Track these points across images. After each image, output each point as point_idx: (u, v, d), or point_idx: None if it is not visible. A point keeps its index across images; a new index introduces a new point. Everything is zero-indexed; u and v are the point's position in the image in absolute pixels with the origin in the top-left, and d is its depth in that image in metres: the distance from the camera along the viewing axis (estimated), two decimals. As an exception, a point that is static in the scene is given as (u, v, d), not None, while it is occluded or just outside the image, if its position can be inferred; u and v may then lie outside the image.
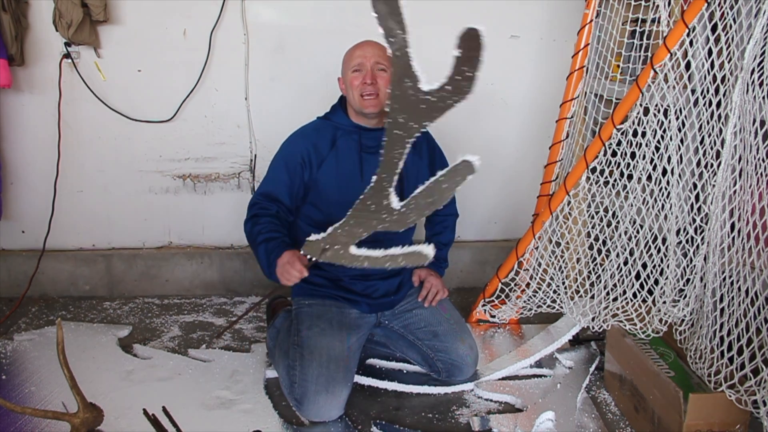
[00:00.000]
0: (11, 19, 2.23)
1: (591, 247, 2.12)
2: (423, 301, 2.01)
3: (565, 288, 2.23)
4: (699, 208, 1.77)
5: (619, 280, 2.00)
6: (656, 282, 1.92)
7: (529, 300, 2.31)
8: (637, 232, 1.93)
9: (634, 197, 1.92)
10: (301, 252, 1.60)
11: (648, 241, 1.91)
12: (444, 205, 2.06)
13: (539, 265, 2.26)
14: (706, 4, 1.62)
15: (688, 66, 1.75)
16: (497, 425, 1.74)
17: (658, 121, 1.80)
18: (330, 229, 1.53)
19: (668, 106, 1.77)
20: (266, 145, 2.57)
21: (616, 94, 1.99)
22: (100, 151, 2.55)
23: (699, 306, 1.81)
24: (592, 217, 2.07)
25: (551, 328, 2.24)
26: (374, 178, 1.42)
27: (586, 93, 2.19)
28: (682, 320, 1.85)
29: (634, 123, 1.86)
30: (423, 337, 1.95)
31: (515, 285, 2.34)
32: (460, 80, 1.20)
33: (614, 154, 1.94)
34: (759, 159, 1.56)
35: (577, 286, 2.22)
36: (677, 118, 1.76)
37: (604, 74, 2.11)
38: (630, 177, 1.92)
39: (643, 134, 1.84)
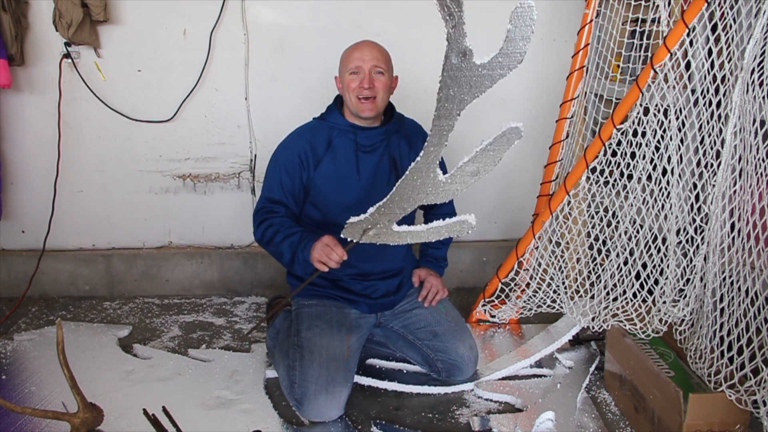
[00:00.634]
0: (11, 19, 2.23)
1: (591, 247, 2.12)
2: (423, 301, 2.01)
3: (565, 288, 2.23)
4: (699, 208, 1.77)
5: (619, 280, 2.00)
6: (656, 282, 1.92)
7: (529, 300, 2.30)
8: (637, 232, 1.93)
9: (634, 197, 1.92)
10: (342, 235, 1.60)
11: (648, 241, 1.91)
12: (441, 204, 2.07)
13: (539, 265, 2.26)
14: (706, 4, 1.62)
15: (688, 66, 1.75)
16: (497, 425, 1.74)
17: (658, 121, 1.80)
18: (372, 209, 1.54)
19: (668, 106, 1.77)
20: (266, 145, 2.57)
21: (616, 94, 1.99)
22: (100, 151, 2.55)
23: (699, 306, 1.81)
24: (592, 217, 2.07)
25: (551, 328, 2.24)
26: (422, 152, 1.44)
27: (586, 93, 2.19)
28: (682, 320, 1.85)
29: (634, 123, 1.86)
30: (423, 337, 1.95)
31: (515, 285, 2.34)
32: (512, 51, 1.30)
33: (614, 154, 1.94)
34: (759, 159, 1.56)
35: (577, 286, 2.22)
36: (677, 118, 1.76)
37: (604, 74, 2.11)
38: (630, 177, 1.92)
39: (643, 134, 1.84)
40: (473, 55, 1.30)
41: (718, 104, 1.67)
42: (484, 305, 2.39)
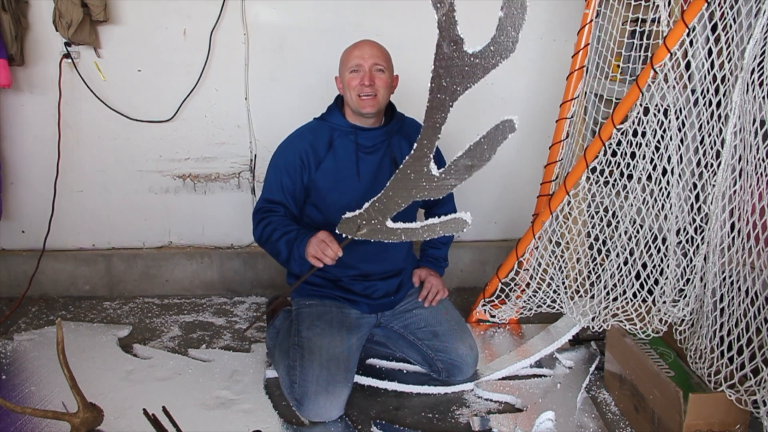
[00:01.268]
0: (11, 19, 2.23)
1: (591, 247, 2.12)
2: (423, 301, 2.01)
3: (565, 288, 2.23)
4: (699, 208, 1.77)
5: (619, 280, 2.00)
6: (656, 282, 1.92)
7: (529, 300, 2.30)
8: (637, 232, 1.93)
9: (634, 197, 1.92)
10: (337, 231, 1.60)
11: (648, 241, 1.91)
12: (442, 204, 2.07)
13: (539, 265, 2.26)
14: (706, 4, 1.62)
15: (688, 66, 1.75)
16: (497, 425, 1.74)
17: (658, 121, 1.80)
18: (366, 204, 1.53)
19: (668, 106, 1.77)
20: (266, 145, 2.57)
21: (616, 94, 1.99)
22: (100, 151, 2.55)
23: (699, 306, 1.81)
24: (592, 217, 2.07)
25: (551, 328, 2.24)
26: (415, 146, 1.43)
27: (586, 93, 2.19)
28: (682, 320, 1.85)
29: (634, 123, 1.86)
30: (423, 337, 1.95)
31: (515, 285, 2.34)
32: (504, 40, 1.26)
33: (614, 154, 1.94)
34: (759, 159, 1.56)
35: (577, 286, 2.22)
36: (677, 118, 1.76)
37: (604, 74, 2.11)
38: (630, 177, 1.92)
39: (643, 134, 1.84)
40: (465, 43, 1.28)
41: (718, 104, 1.66)
42: (484, 305, 2.39)
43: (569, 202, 2.08)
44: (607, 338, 1.97)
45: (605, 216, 2.03)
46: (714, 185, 1.67)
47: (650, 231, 1.90)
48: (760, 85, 1.56)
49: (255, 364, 2.07)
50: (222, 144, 2.60)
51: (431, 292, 2.01)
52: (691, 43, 1.71)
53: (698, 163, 1.75)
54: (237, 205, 2.66)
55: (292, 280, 2.00)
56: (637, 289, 1.95)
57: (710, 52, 1.65)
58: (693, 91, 1.74)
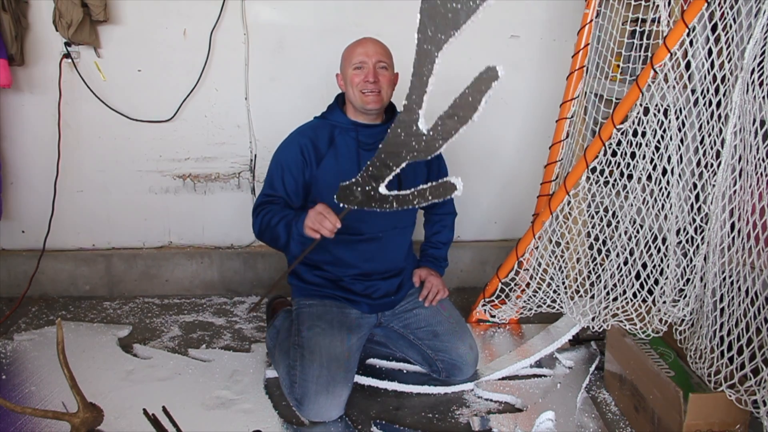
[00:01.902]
0: (11, 19, 2.23)
1: (591, 247, 2.12)
2: (424, 300, 2.01)
3: (565, 288, 2.23)
4: (699, 208, 1.77)
5: (619, 280, 2.00)
6: (656, 282, 1.92)
7: (529, 300, 2.30)
8: (637, 232, 1.93)
9: (634, 197, 1.92)
10: (335, 199, 1.60)
11: (648, 241, 1.91)
12: (441, 204, 2.07)
13: (539, 265, 2.26)
14: (706, 4, 1.62)
15: (688, 66, 1.75)
16: (497, 425, 1.74)
17: (658, 121, 1.80)
18: (362, 171, 1.54)
19: (668, 106, 1.77)
20: (266, 145, 2.57)
21: (616, 94, 1.99)
22: (100, 151, 2.55)
23: (699, 306, 1.81)
24: (592, 217, 2.07)
25: (551, 328, 2.24)
26: (404, 102, 1.42)
27: (586, 93, 2.19)
28: (682, 320, 1.85)
29: (634, 123, 1.86)
30: (423, 337, 1.95)
31: (515, 285, 2.34)
32: None
33: (614, 154, 1.94)
34: (759, 159, 1.56)
35: (577, 286, 2.22)
36: (677, 118, 1.76)
37: (604, 74, 2.11)
38: (630, 177, 1.92)
39: (643, 134, 1.84)
40: None
41: (718, 104, 1.66)
42: (484, 305, 2.39)
43: (569, 202, 2.08)
44: (607, 338, 1.97)
45: (605, 216, 2.03)
46: (714, 185, 1.67)
47: (650, 231, 1.90)
48: (760, 85, 1.56)
49: (255, 364, 2.07)
50: (222, 144, 2.60)
51: (431, 291, 2.01)
52: (691, 43, 1.71)
53: (698, 163, 1.75)
54: (237, 205, 2.66)
55: (293, 280, 2.00)
56: (637, 289, 1.95)
57: (710, 52, 1.65)
58: (693, 91, 1.74)
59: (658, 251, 1.89)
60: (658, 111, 1.79)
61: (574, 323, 2.14)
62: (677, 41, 1.69)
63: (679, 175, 1.80)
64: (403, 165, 1.50)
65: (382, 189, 1.55)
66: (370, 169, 1.54)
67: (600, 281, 2.06)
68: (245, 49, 2.48)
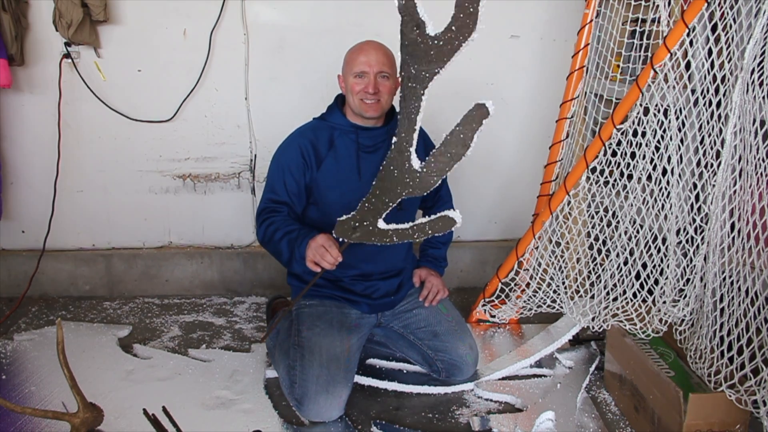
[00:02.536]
0: (11, 19, 2.23)
1: (591, 247, 2.12)
2: (424, 300, 2.01)
3: (565, 288, 2.23)
4: (699, 208, 1.77)
5: (619, 280, 2.00)
6: (656, 282, 1.92)
7: (529, 300, 2.30)
8: (637, 232, 1.93)
9: (634, 197, 1.92)
10: (333, 234, 1.59)
11: (648, 241, 1.91)
12: (441, 204, 2.07)
13: (539, 265, 2.26)
14: (706, 4, 1.62)
15: (688, 66, 1.75)
16: (497, 425, 1.74)
17: (658, 121, 1.80)
18: (359, 206, 1.53)
19: (668, 106, 1.77)
20: (266, 145, 2.57)
21: (616, 94, 1.99)
22: (100, 151, 2.55)
23: (699, 306, 1.81)
24: (592, 217, 2.07)
25: (551, 328, 2.24)
26: (394, 139, 1.41)
27: (586, 93, 2.19)
28: (682, 320, 1.85)
29: (634, 123, 1.86)
30: (423, 337, 1.95)
31: (515, 285, 2.34)
32: (463, 18, 1.23)
33: (614, 154, 1.94)
34: (759, 159, 1.56)
35: (577, 286, 2.22)
36: (677, 118, 1.76)
37: (604, 74, 2.11)
38: (630, 177, 1.92)
39: (643, 134, 1.84)
40: (427, 26, 1.26)
41: (718, 104, 1.66)
42: (484, 305, 2.39)
43: (569, 202, 2.08)
44: (607, 338, 1.97)
45: (605, 216, 2.03)
46: (714, 185, 1.67)
47: (650, 231, 1.90)
48: (760, 85, 1.56)
49: (255, 364, 2.07)
50: (222, 144, 2.60)
51: (431, 291, 2.01)
52: (691, 43, 1.71)
53: (698, 163, 1.75)
54: (237, 205, 2.66)
55: (293, 280, 2.00)
56: (637, 289, 1.95)
57: (710, 52, 1.65)
58: (693, 91, 1.74)
59: (658, 251, 1.89)
60: (658, 111, 1.79)
61: (574, 323, 2.14)
62: (677, 41, 1.69)
63: (679, 175, 1.80)
64: (399, 200, 1.49)
65: (381, 224, 1.54)
66: (366, 205, 1.52)
67: (600, 281, 2.06)
68: (245, 49, 2.48)
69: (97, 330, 2.31)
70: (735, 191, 1.62)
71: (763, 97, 1.55)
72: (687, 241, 1.83)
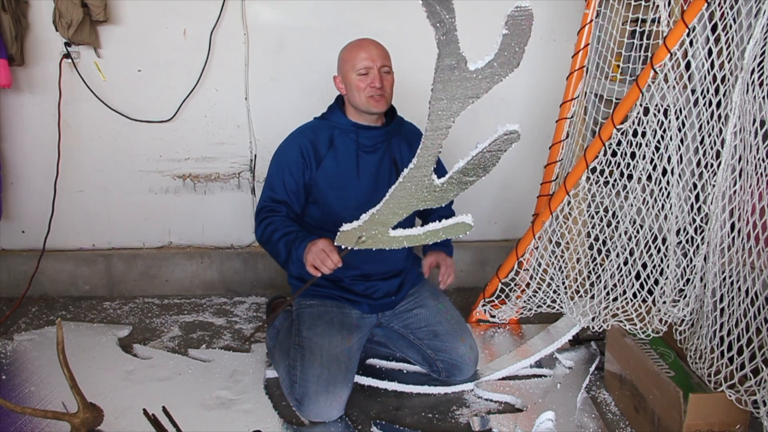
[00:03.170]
0: (11, 19, 2.23)
1: (591, 247, 2.12)
2: (426, 299, 2.00)
3: (565, 288, 2.23)
4: (699, 208, 1.77)
5: (619, 280, 2.00)
6: (656, 282, 1.92)
7: (529, 300, 2.31)
8: (637, 232, 1.93)
9: (634, 197, 1.92)
10: (335, 243, 1.58)
11: (648, 241, 1.91)
12: (439, 207, 2.06)
13: (539, 265, 2.26)
14: (706, 4, 1.62)
15: (688, 66, 1.75)
16: (497, 425, 1.74)
17: (658, 121, 1.80)
18: (366, 216, 1.51)
19: (668, 106, 1.77)
20: (266, 145, 2.57)
21: (616, 94, 1.99)
22: (100, 151, 2.55)
23: (699, 306, 1.81)
24: (592, 217, 2.07)
25: (551, 328, 2.24)
26: (415, 159, 1.41)
27: (586, 93, 2.19)
28: (682, 320, 1.85)
29: (634, 123, 1.86)
30: (423, 337, 1.95)
31: (515, 285, 2.34)
32: (508, 56, 1.24)
33: (614, 154, 1.94)
34: (759, 159, 1.56)
35: (577, 286, 2.22)
36: (677, 118, 1.76)
37: (604, 74, 2.11)
38: (630, 177, 1.92)
39: (643, 134, 1.84)
40: (466, 61, 1.25)
41: (718, 104, 1.66)
42: (484, 305, 2.39)
43: (569, 202, 2.08)
44: (607, 338, 1.97)
45: (605, 216, 2.03)
46: (714, 185, 1.67)
47: (650, 231, 1.90)
48: (760, 85, 1.56)
49: (255, 364, 2.07)
50: (222, 144, 2.60)
51: (448, 273, 1.98)
52: (691, 43, 1.71)
53: (698, 163, 1.75)
54: (237, 205, 2.67)
55: (293, 280, 2.00)
56: (637, 289, 1.95)
57: (710, 52, 1.65)
58: (693, 91, 1.74)
59: (658, 251, 1.89)
60: (658, 111, 1.79)
61: (574, 323, 2.14)
62: (677, 41, 1.69)
63: (679, 175, 1.80)
64: (412, 212, 1.49)
65: (391, 232, 1.54)
66: (376, 216, 1.50)
67: (600, 281, 2.06)
68: (245, 49, 2.48)
69: (97, 330, 2.31)
70: (735, 191, 1.62)
71: (763, 97, 1.55)
72: (687, 241, 1.83)
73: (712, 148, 1.70)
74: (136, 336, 2.29)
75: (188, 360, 2.09)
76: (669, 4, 1.83)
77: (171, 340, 2.26)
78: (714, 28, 1.64)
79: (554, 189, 2.23)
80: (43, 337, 2.23)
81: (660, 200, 1.85)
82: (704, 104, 1.70)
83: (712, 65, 1.66)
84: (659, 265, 1.90)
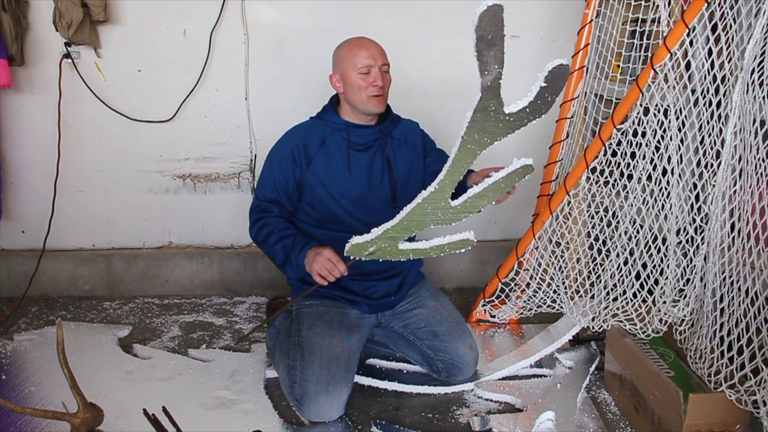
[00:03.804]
0: (11, 19, 2.23)
1: (591, 247, 2.12)
2: (429, 295, 2.01)
3: (565, 288, 2.23)
4: (699, 208, 1.77)
5: (619, 280, 2.00)
6: (656, 282, 1.92)
7: (529, 300, 2.31)
8: (637, 232, 1.93)
9: (634, 197, 1.92)
10: (345, 253, 1.60)
11: (648, 241, 1.91)
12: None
13: (539, 265, 2.26)
14: (706, 4, 1.62)
15: (688, 66, 1.75)
16: (497, 425, 1.74)
17: (658, 121, 1.80)
18: (378, 230, 1.56)
19: (668, 106, 1.77)
20: (266, 145, 2.55)
21: (616, 94, 1.99)
22: (100, 151, 2.55)
23: (699, 306, 1.81)
24: (592, 217, 2.07)
25: (551, 328, 2.24)
26: (436, 184, 1.48)
27: (586, 93, 2.19)
28: (682, 320, 1.85)
29: (634, 123, 1.86)
30: (423, 337, 1.95)
31: (515, 285, 2.34)
32: (540, 104, 1.36)
33: (614, 154, 1.94)
34: (759, 159, 1.56)
35: (577, 286, 2.22)
36: (677, 118, 1.76)
37: (604, 74, 2.11)
38: (630, 177, 1.92)
39: (643, 134, 1.84)
40: (504, 105, 1.36)
41: (718, 104, 1.66)
42: (484, 305, 2.39)
43: (569, 202, 2.08)
44: (607, 338, 1.97)
45: (605, 216, 2.03)
46: (714, 185, 1.67)
47: (650, 231, 1.90)
48: (760, 85, 1.56)
49: (255, 364, 2.07)
50: (222, 144, 2.60)
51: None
52: (691, 43, 1.71)
53: (698, 163, 1.75)
54: (237, 205, 2.66)
55: (293, 281, 2.00)
56: (637, 289, 1.95)
57: (710, 52, 1.65)
58: (693, 91, 1.74)
59: (658, 251, 1.89)
60: (658, 111, 1.79)
61: (574, 323, 2.14)
62: (677, 41, 1.70)
63: (679, 175, 1.80)
64: (424, 228, 1.56)
65: (400, 245, 1.59)
66: (390, 232, 1.56)
67: (600, 281, 2.06)
68: (245, 49, 2.48)
69: (97, 330, 2.31)
70: (735, 191, 1.62)
71: (763, 97, 1.55)
72: (687, 241, 1.83)
73: (712, 148, 1.70)
74: (136, 336, 2.29)
75: (188, 360, 2.09)
76: (669, 4, 1.83)
77: (171, 340, 2.26)
78: (714, 28, 1.64)
79: (554, 189, 2.23)
80: (43, 337, 2.23)
81: (660, 200, 1.85)
82: (704, 104, 1.70)
83: (712, 65, 1.66)
84: (659, 265, 1.90)
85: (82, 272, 2.64)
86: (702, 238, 1.77)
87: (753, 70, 1.55)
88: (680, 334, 1.84)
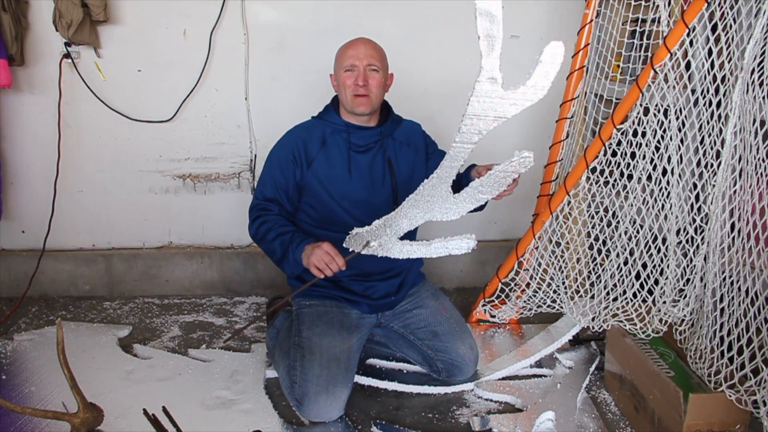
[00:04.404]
0: (11, 19, 2.23)
1: (591, 247, 2.12)
2: (428, 296, 2.01)
3: (565, 288, 2.23)
4: (699, 208, 1.77)
5: (619, 280, 2.00)
6: (656, 282, 1.92)
7: (529, 300, 2.30)
8: (637, 232, 1.93)
9: (634, 197, 1.92)
10: (344, 245, 1.60)
11: (648, 241, 1.91)
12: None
13: (539, 265, 2.26)
14: (706, 4, 1.62)
15: (688, 66, 1.75)
16: (497, 425, 1.74)
17: (658, 121, 1.80)
18: (379, 222, 1.56)
19: (668, 106, 1.77)
20: (266, 145, 2.55)
21: (616, 94, 1.99)
22: (100, 151, 2.55)
23: (699, 306, 1.81)
24: (592, 217, 2.07)
25: (551, 328, 2.24)
26: (438, 170, 1.49)
27: (586, 93, 2.19)
28: (682, 320, 1.85)
29: (634, 123, 1.86)
30: (423, 337, 1.95)
31: (515, 285, 2.34)
32: (537, 84, 1.40)
33: (614, 154, 1.94)
34: (759, 159, 1.56)
35: (577, 286, 2.22)
36: (677, 118, 1.76)
37: (604, 74, 2.11)
38: (630, 177, 1.92)
39: (643, 134, 1.84)
40: (501, 82, 1.37)
41: (718, 104, 1.67)
42: (484, 305, 2.39)
43: (569, 202, 2.08)
44: (607, 338, 1.97)
45: (605, 216, 2.03)
46: (714, 185, 1.67)
47: (650, 231, 1.90)
48: (760, 85, 1.56)
49: (255, 364, 2.07)
50: (222, 144, 2.60)
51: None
52: (691, 43, 1.71)
53: (698, 163, 1.75)
54: (237, 205, 2.66)
55: (293, 281, 2.00)
56: (637, 289, 1.95)
57: (710, 52, 1.65)
58: (693, 91, 1.74)
59: (658, 251, 1.89)
60: (658, 111, 1.79)
61: (574, 323, 2.14)
62: (677, 41, 1.70)
63: (679, 175, 1.80)
64: (423, 221, 1.57)
65: (398, 242, 1.60)
66: (389, 220, 1.56)
67: (600, 281, 2.06)
68: (245, 49, 2.48)
69: (97, 330, 2.30)
70: (735, 191, 1.62)
71: (763, 97, 1.55)
72: (687, 241, 1.83)
73: (712, 148, 1.70)
74: (136, 336, 2.29)
75: (188, 360, 2.09)
76: (669, 4, 1.83)
77: (171, 340, 2.26)
78: (714, 28, 1.64)
79: (554, 189, 2.23)
80: (43, 337, 2.23)
81: (660, 200, 1.85)
82: (704, 104, 1.70)
83: (712, 65, 1.66)
84: (659, 265, 1.90)
85: (82, 272, 2.64)
86: (702, 238, 1.77)
87: (753, 70, 1.55)
88: (680, 334, 1.84)
